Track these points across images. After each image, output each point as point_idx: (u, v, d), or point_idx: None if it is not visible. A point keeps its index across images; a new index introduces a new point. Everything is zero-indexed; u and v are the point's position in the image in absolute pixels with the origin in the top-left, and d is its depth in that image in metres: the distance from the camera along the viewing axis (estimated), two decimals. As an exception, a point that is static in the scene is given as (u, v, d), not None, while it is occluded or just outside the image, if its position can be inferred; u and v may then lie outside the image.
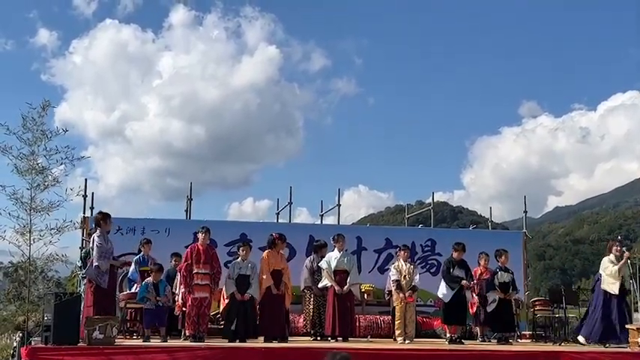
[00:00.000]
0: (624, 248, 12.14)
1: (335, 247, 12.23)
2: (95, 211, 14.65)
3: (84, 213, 14.66)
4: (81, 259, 11.51)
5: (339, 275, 11.94)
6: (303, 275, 12.88)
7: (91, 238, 10.52)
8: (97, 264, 10.14)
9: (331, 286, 11.89)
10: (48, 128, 9.48)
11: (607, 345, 11.61)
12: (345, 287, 11.82)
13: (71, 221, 9.29)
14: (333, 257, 12.03)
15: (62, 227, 9.18)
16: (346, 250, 12.51)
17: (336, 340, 11.51)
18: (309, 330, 12.47)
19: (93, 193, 15.05)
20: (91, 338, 8.95)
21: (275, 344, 10.47)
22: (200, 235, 11.05)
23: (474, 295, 12.52)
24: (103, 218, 10.60)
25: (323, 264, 12.07)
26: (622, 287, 11.71)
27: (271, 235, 11.70)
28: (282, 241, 11.69)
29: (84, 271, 11.35)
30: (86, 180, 14.96)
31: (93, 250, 10.28)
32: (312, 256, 12.91)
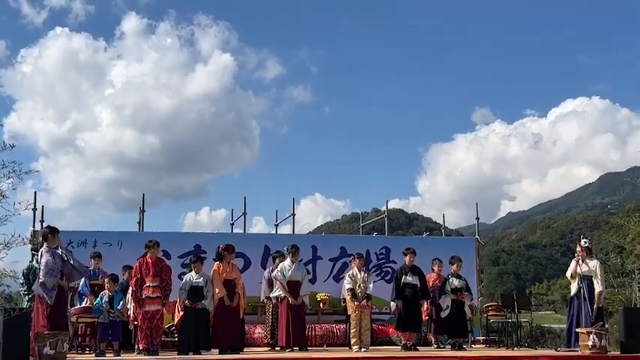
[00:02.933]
0: (582, 241, 11.77)
1: (288, 257, 12.21)
2: (45, 224, 14.44)
3: (34, 226, 14.46)
4: (23, 275, 11.26)
5: (293, 286, 11.94)
6: (263, 286, 12.91)
7: (39, 253, 10.28)
8: (42, 280, 9.92)
9: (285, 297, 11.88)
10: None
11: (558, 349, 11.81)
12: (299, 298, 11.82)
13: (19, 235, 9.08)
14: (287, 268, 12.02)
15: (10, 242, 8.97)
16: (300, 261, 12.51)
17: (292, 350, 11.49)
18: (269, 340, 12.45)
19: (43, 207, 14.90)
20: (42, 354, 8.78)
21: (229, 356, 10.41)
22: (150, 250, 10.95)
23: (426, 302, 12.68)
24: (51, 232, 10.36)
25: (278, 274, 12.05)
26: (586, 288, 11.27)
27: (218, 247, 11.64)
28: (230, 252, 11.63)
29: (25, 288, 11.13)
30: (35, 193, 14.83)
31: (40, 265, 10.05)
32: (270, 267, 12.92)
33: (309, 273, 12.41)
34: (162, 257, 11.68)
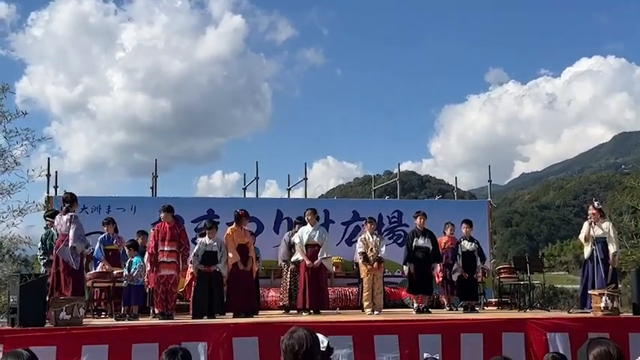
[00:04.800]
0: (595, 204, 11.73)
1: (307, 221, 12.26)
2: (59, 190, 14.58)
3: (47, 192, 14.54)
4: (41, 240, 11.35)
5: (311, 249, 11.99)
6: (281, 249, 12.99)
7: (66, 218, 10.30)
8: (73, 245, 10.04)
9: (303, 260, 11.95)
10: (7, 110, 9.28)
11: (570, 311, 11.85)
12: (316, 261, 11.88)
13: (33, 202, 9.15)
14: (305, 232, 12.09)
15: (24, 209, 9.04)
16: (320, 225, 12.54)
17: (309, 313, 11.60)
18: (285, 303, 12.56)
19: (57, 172, 14.95)
20: (58, 319, 8.90)
21: (244, 319, 10.51)
22: (161, 215, 11.01)
23: (439, 265, 12.75)
24: (75, 199, 10.52)
25: (295, 238, 12.17)
26: (600, 250, 11.28)
27: (236, 211, 11.70)
28: (247, 217, 11.71)
29: (41, 253, 11.23)
30: (49, 159, 14.83)
31: (70, 230, 10.11)
32: (290, 231, 13.04)
33: (318, 220, 12.38)
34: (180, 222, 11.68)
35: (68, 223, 10.18)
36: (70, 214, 10.27)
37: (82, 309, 9.31)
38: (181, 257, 10.86)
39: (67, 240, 10.08)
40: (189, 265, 11.56)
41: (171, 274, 10.74)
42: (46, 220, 11.60)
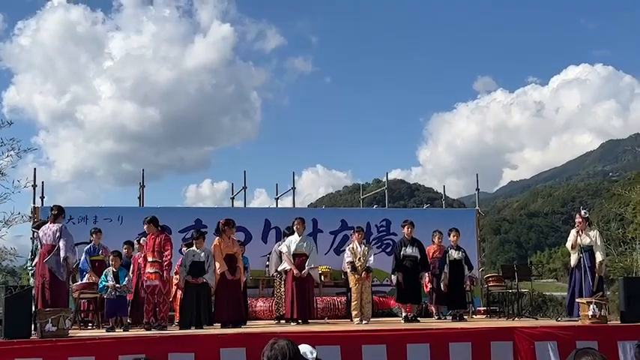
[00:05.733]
0: (582, 212, 11.72)
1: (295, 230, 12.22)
2: (46, 200, 14.53)
3: (34, 203, 14.47)
4: (32, 252, 11.26)
5: (298, 259, 11.96)
6: (273, 259, 12.92)
7: (54, 229, 10.22)
8: (66, 256, 9.99)
9: (290, 269, 11.91)
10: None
11: (558, 319, 11.86)
12: (304, 271, 11.85)
13: (19, 213, 9.08)
14: (292, 241, 12.05)
15: (10, 220, 8.97)
16: (308, 235, 12.52)
17: (297, 323, 11.56)
18: (282, 313, 12.50)
19: (43, 183, 14.90)
20: (44, 331, 8.82)
21: (231, 330, 10.45)
22: (144, 226, 11.02)
23: (427, 274, 12.74)
24: (62, 210, 10.48)
25: (283, 248, 12.13)
26: (587, 259, 11.30)
27: (218, 222, 11.61)
28: (230, 227, 11.58)
29: (31, 264, 11.14)
30: (35, 169, 14.83)
31: (60, 240, 10.03)
32: (280, 242, 13.00)
33: (305, 228, 12.33)
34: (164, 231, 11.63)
35: (58, 234, 10.11)
36: (58, 224, 10.21)
37: (68, 320, 9.21)
38: (164, 269, 10.83)
39: (57, 250, 10.01)
40: (173, 275, 11.52)
41: (155, 284, 10.72)
42: (34, 231, 11.49)
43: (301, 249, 12.01)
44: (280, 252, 12.62)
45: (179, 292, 11.52)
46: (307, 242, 12.16)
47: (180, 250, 12.37)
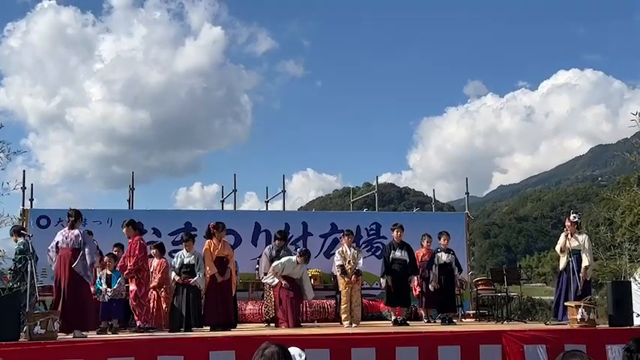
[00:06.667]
0: (572, 216, 11.79)
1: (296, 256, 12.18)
2: (36, 203, 14.51)
3: (23, 205, 14.42)
4: (20, 252, 11.12)
5: (289, 279, 12.01)
6: (263, 263, 12.84)
7: (75, 233, 10.17)
8: (93, 260, 10.08)
9: (277, 283, 11.94)
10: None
11: (547, 323, 11.90)
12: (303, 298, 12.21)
13: (8, 215, 9.04)
14: (290, 266, 11.99)
15: (-1, 222, 8.93)
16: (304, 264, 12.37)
17: (288, 326, 11.55)
18: (273, 316, 12.45)
19: (32, 185, 14.83)
20: (32, 333, 8.79)
21: (221, 332, 10.45)
22: (123, 229, 11.10)
23: (416, 277, 12.76)
24: (80, 215, 10.47)
25: (278, 265, 11.98)
26: (576, 262, 11.36)
27: (208, 225, 11.60)
28: (220, 230, 11.53)
29: (20, 265, 11.04)
30: (24, 172, 14.72)
31: (85, 245, 10.03)
32: (271, 245, 13.00)
33: (306, 262, 12.34)
34: (141, 235, 11.56)
35: (81, 239, 10.08)
36: (78, 230, 10.20)
37: (56, 323, 9.20)
38: (138, 273, 10.89)
39: (82, 255, 9.95)
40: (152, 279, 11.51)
41: (132, 288, 10.88)
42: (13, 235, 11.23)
43: (294, 274, 12.05)
44: (270, 255, 12.57)
45: (153, 294, 11.48)
46: (303, 271, 12.26)
47: (171, 254, 12.33)
